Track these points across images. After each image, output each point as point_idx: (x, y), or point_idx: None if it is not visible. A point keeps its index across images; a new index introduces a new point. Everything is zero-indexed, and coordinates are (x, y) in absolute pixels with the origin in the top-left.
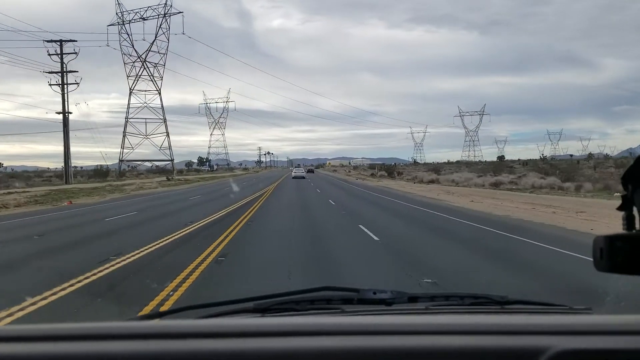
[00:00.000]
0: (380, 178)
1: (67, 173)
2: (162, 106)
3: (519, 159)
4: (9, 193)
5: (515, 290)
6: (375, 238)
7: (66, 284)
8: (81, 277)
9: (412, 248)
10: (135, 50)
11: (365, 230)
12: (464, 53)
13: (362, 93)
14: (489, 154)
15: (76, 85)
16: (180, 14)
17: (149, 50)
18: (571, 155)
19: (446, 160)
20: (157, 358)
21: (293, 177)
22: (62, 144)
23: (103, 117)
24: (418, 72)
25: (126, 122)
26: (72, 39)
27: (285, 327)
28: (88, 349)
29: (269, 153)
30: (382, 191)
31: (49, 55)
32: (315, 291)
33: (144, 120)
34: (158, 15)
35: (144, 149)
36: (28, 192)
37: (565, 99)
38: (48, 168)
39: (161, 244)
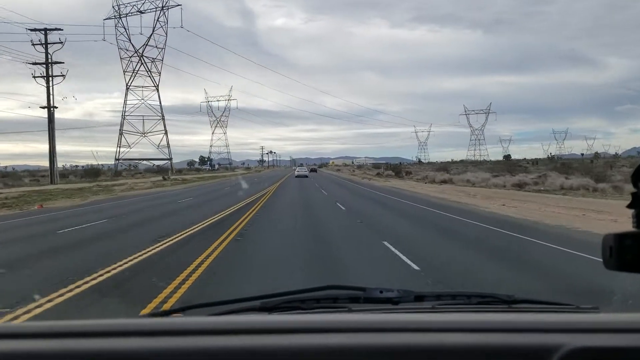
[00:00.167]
0: (388, 178)
1: (53, 172)
2: (160, 103)
3: (525, 158)
4: None
5: None
6: (414, 266)
7: None
8: None
9: (475, 284)
10: (132, 45)
11: (394, 250)
12: (466, 52)
13: (365, 92)
14: (493, 153)
15: (62, 77)
16: (179, 6)
17: (146, 44)
18: (582, 154)
19: (450, 160)
20: (167, 354)
21: (296, 176)
22: (64, 143)
23: (106, 116)
24: (421, 71)
25: (123, 119)
26: (58, 27)
27: (292, 324)
28: (100, 345)
29: (271, 152)
30: (395, 193)
31: (33, 45)
32: (321, 290)
33: (142, 118)
34: (156, 8)
35: (144, 148)
36: (1, 193)
37: (568, 98)
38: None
39: (91, 283)
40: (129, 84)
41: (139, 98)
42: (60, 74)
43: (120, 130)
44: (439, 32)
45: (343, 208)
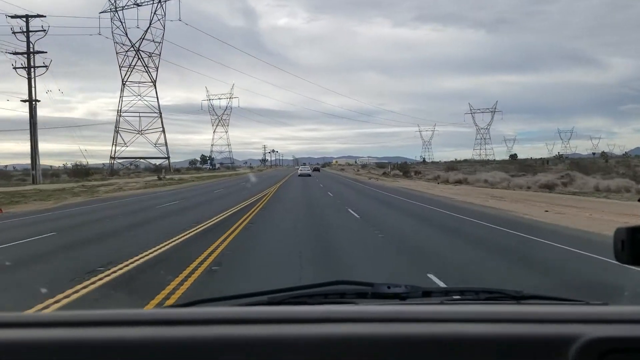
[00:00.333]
0: (395, 178)
1: (35, 171)
2: (158, 99)
3: (530, 157)
4: None
5: None
6: None
7: None
8: None
9: None
10: (129, 39)
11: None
12: (469, 51)
13: (368, 92)
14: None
15: (45, 68)
16: None
17: (143, 37)
18: (594, 154)
19: (454, 159)
20: (184, 342)
21: (299, 175)
22: (66, 141)
23: (109, 115)
24: (423, 71)
25: (119, 116)
26: (40, 14)
27: (299, 314)
28: (121, 334)
29: (274, 151)
30: (409, 195)
31: (14, 33)
32: (329, 285)
33: (138, 115)
34: (153, 0)
35: (142, 147)
36: None
37: (571, 97)
38: (51, 167)
39: None
40: (125, 80)
41: (136, 94)
42: (42, 64)
43: (115, 127)
44: (442, 31)
45: (358, 216)
